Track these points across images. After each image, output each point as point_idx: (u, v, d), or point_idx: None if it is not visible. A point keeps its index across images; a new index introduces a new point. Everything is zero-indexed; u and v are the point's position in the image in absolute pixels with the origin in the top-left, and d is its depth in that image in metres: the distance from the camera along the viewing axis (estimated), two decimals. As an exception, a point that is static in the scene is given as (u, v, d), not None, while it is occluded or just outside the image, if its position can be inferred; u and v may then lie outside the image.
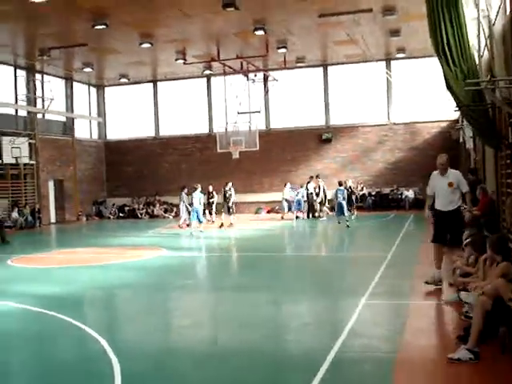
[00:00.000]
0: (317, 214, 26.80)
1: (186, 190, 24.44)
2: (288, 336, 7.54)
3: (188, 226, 22.90)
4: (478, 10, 11.58)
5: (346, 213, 22.09)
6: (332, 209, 26.38)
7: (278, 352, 6.96)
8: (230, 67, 27.40)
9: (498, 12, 11.94)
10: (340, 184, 22.56)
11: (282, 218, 26.95)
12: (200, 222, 21.52)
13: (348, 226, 21.52)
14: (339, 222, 22.06)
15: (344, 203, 21.92)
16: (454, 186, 9.53)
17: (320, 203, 27.10)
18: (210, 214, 25.76)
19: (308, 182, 27.53)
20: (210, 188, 25.53)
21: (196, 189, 21.64)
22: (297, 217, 26.54)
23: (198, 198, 21.43)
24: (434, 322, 7.83)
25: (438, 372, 6.07)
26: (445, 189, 9.64)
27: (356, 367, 6.24)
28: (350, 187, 26.11)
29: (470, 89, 9.69)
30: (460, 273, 8.22)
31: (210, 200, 25.41)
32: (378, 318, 8.27)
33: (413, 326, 7.60)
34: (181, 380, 6.15)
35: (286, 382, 6.05)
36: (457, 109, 11.72)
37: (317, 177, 27.85)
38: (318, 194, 26.86)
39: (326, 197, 27.07)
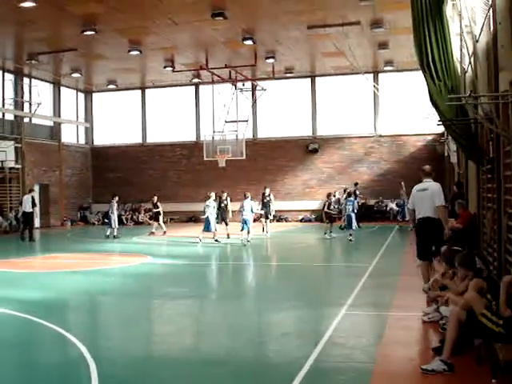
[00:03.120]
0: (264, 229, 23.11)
1: (116, 198, 23.73)
2: (267, 344, 7.59)
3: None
4: (461, 26, 11.72)
5: (354, 226, 20.37)
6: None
7: (257, 360, 7.02)
8: (219, 76, 27.51)
9: (481, 28, 12.08)
10: (349, 195, 21.25)
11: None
12: (208, 231, 20.26)
13: (351, 240, 19.82)
14: (350, 238, 20.01)
15: (353, 215, 20.30)
16: None
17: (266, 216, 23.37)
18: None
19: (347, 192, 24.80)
20: (224, 195, 22.87)
21: (209, 197, 20.52)
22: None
23: (212, 206, 20.22)
24: (412, 334, 7.90)
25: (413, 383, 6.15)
26: None
27: (333, 377, 6.30)
28: (339, 199, 25.24)
29: (452, 104, 9.79)
30: (438, 285, 8.29)
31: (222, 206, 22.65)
32: (357, 329, 8.34)
33: (391, 337, 7.68)
34: (159, 387, 6.18)
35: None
36: (440, 123, 11.80)
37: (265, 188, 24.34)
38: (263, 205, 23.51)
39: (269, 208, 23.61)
